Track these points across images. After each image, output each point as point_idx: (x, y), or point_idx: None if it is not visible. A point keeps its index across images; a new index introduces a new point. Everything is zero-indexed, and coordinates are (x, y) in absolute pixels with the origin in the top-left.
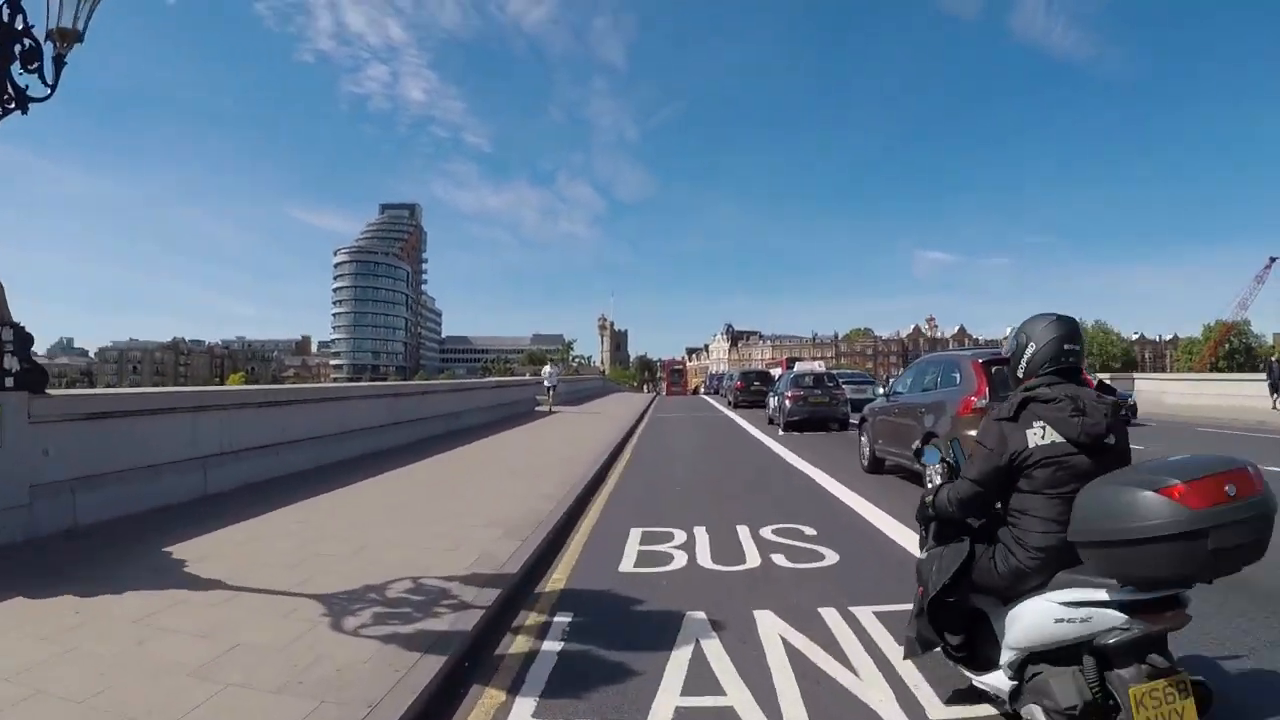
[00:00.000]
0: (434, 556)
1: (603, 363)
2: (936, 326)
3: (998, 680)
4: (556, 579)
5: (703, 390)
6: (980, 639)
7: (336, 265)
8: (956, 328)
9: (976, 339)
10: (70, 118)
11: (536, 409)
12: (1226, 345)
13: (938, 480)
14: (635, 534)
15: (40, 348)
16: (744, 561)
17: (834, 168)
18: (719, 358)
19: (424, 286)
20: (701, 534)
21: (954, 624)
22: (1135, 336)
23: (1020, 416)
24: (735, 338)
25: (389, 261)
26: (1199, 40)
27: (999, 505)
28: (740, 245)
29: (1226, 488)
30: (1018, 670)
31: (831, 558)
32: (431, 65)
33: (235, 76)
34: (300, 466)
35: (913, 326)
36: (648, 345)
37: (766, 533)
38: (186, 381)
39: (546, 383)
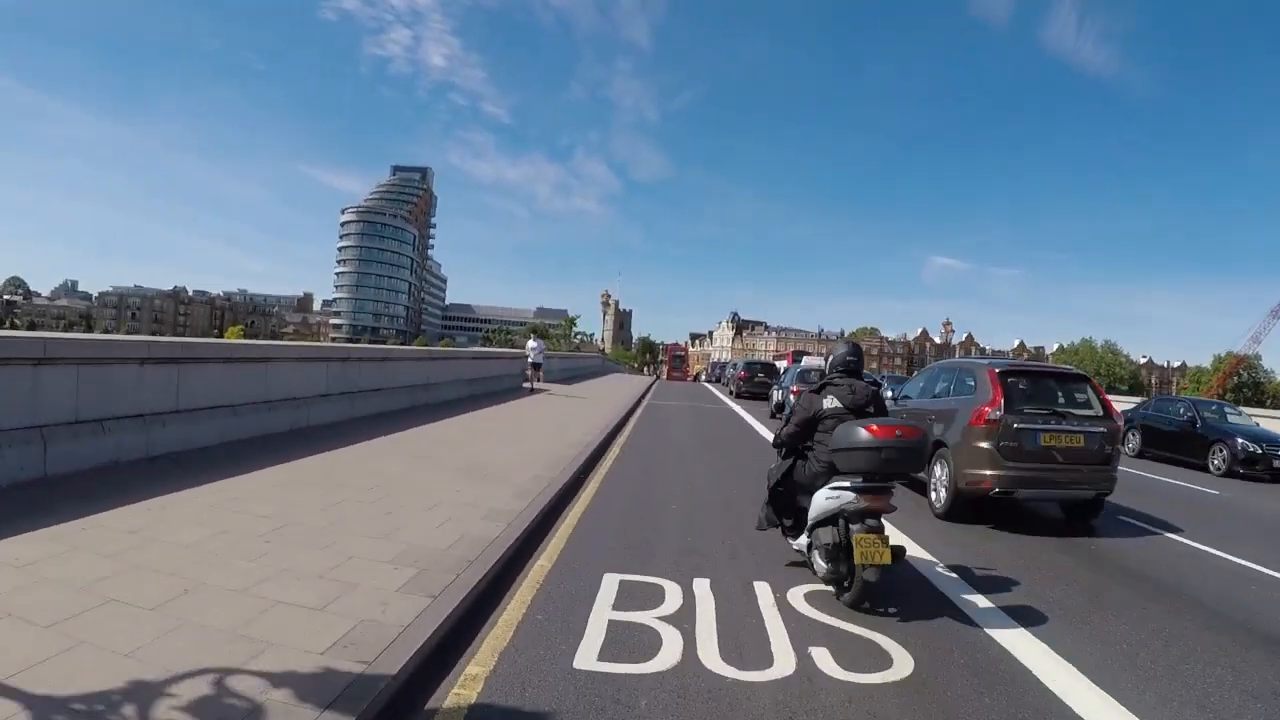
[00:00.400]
0: (277, 623)
1: (602, 341)
2: (953, 331)
3: (800, 542)
4: (469, 679)
5: (704, 378)
6: (798, 520)
7: (343, 224)
8: (965, 335)
9: (984, 348)
10: (86, 59)
11: (523, 385)
12: (1235, 378)
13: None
14: (609, 585)
15: (44, 288)
16: (769, 661)
17: (851, 165)
18: (722, 345)
19: (431, 252)
20: (704, 594)
21: (786, 510)
22: (1144, 360)
23: (821, 391)
24: (740, 327)
25: (396, 224)
26: (1226, 65)
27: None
28: (752, 234)
29: (897, 431)
30: (810, 532)
31: (902, 661)
32: (455, 32)
33: (257, 30)
34: (201, 442)
35: (920, 330)
36: (652, 327)
37: (797, 599)
38: (186, 331)
39: (531, 358)
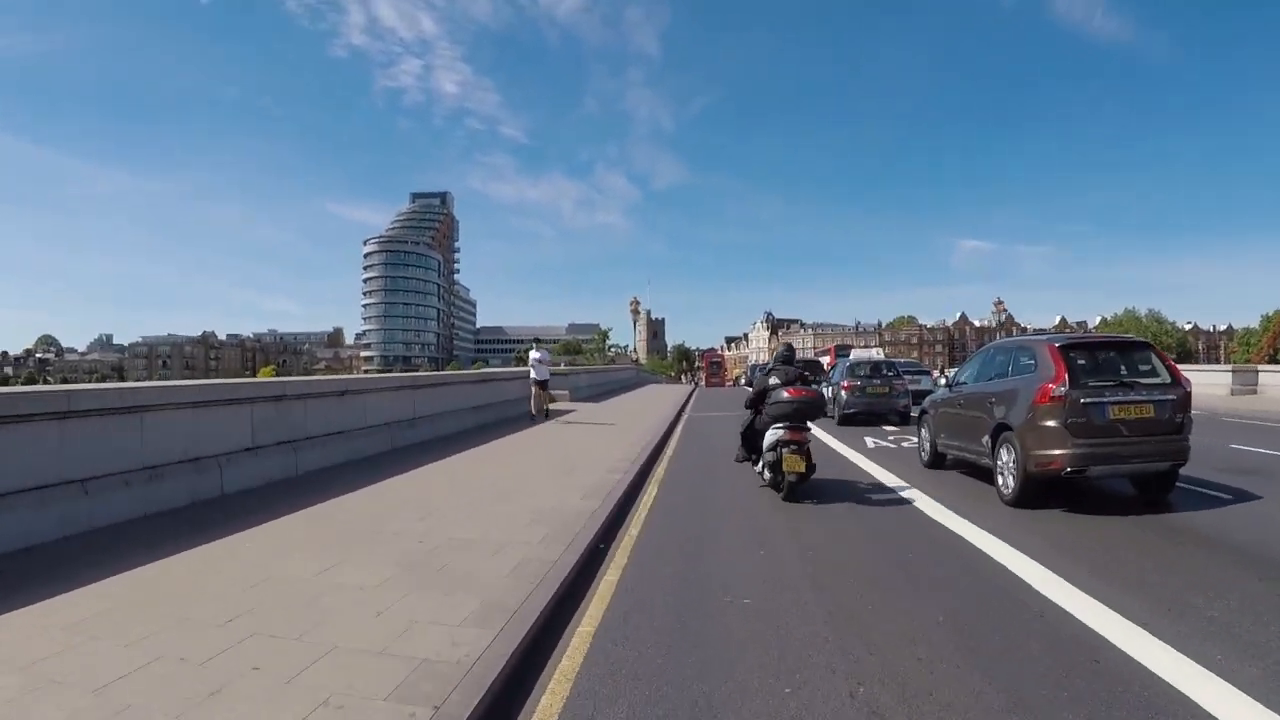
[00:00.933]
0: None
1: (634, 352)
2: (1005, 310)
3: (760, 465)
4: None
5: (743, 381)
6: (760, 454)
7: (366, 256)
8: (1005, 315)
9: (1025, 327)
10: (109, 120)
11: (529, 413)
12: None
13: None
14: None
15: (80, 344)
16: None
17: (872, 156)
18: (759, 347)
19: (457, 277)
20: None
21: (752, 447)
22: (1189, 326)
23: (769, 373)
24: (775, 326)
25: (419, 251)
26: (1237, 20)
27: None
28: (778, 234)
29: (803, 394)
30: (762, 457)
31: None
32: (465, 58)
33: (270, 75)
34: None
35: (959, 314)
36: (686, 334)
37: None
38: (217, 375)
39: (534, 374)
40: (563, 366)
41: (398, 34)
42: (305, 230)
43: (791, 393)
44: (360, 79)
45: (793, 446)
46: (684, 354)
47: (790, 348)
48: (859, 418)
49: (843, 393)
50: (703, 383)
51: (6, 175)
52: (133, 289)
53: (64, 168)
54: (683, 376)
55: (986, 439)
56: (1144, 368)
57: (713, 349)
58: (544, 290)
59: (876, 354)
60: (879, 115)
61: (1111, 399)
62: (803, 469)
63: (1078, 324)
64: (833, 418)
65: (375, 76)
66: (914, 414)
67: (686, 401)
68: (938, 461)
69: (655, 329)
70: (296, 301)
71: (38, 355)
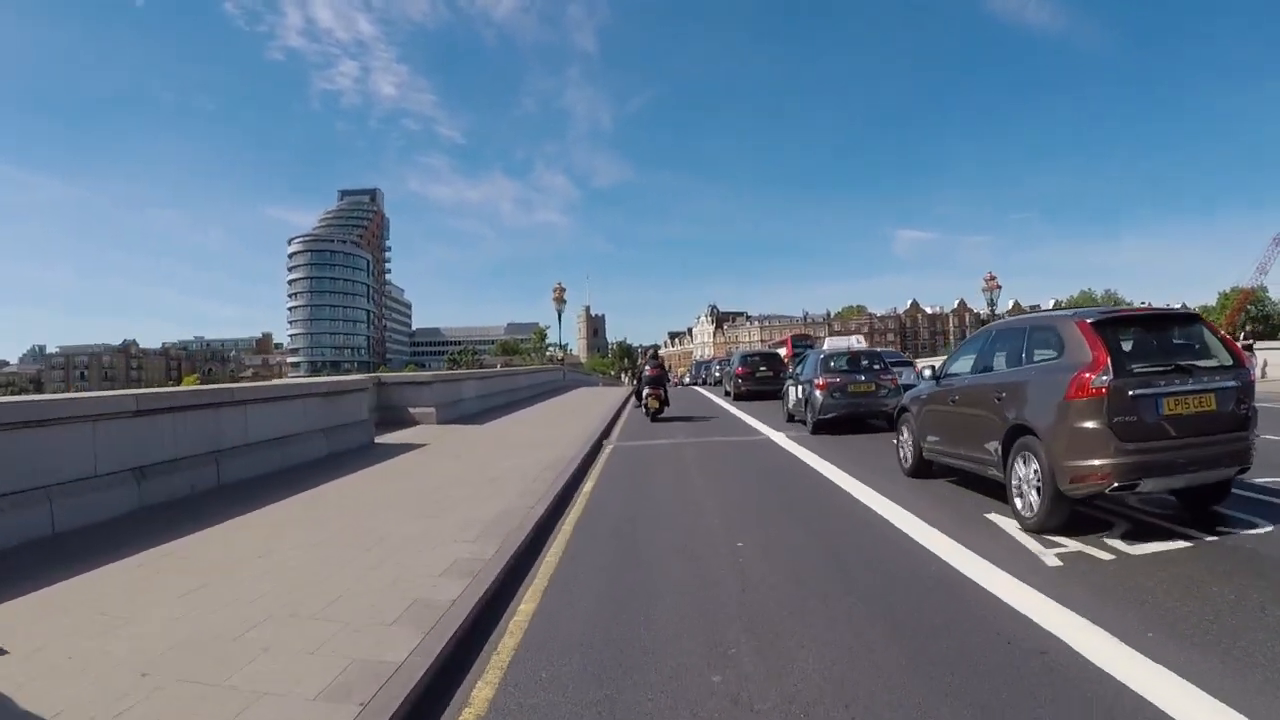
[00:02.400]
0: None
1: (563, 351)
2: (999, 286)
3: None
4: None
5: (688, 380)
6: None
7: (291, 256)
8: (956, 301)
9: (978, 313)
10: (41, 123)
11: (382, 441)
12: (1244, 313)
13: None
14: None
15: (12, 355)
16: None
17: (813, 149)
18: (703, 341)
19: (391, 278)
20: None
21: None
22: (1143, 305)
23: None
24: (720, 319)
25: (347, 250)
26: (1171, 13)
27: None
28: (721, 229)
29: (656, 373)
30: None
31: None
32: (401, 59)
33: (205, 76)
34: None
35: (909, 301)
36: (629, 331)
37: None
38: (139, 385)
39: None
40: (426, 373)
41: (335, 35)
42: (243, 234)
43: (651, 371)
44: (297, 81)
45: (651, 394)
46: (625, 351)
47: (657, 352)
48: (839, 423)
49: (817, 394)
50: (637, 398)
51: None
52: (69, 297)
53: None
54: (623, 376)
55: (994, 445)
56: (1197, 346)
57: (655, 346)
58: (485, 293)
59: (856, 343)
60: (818, 108)
61: (1166, 389)
62: (657, 405)
63: (1030, 307)
64: (803, 423)
65: (312, 79)
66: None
67: (617, 415)
68: (922, 469)
69: (596, 326)
70: (235, 306)
71: None
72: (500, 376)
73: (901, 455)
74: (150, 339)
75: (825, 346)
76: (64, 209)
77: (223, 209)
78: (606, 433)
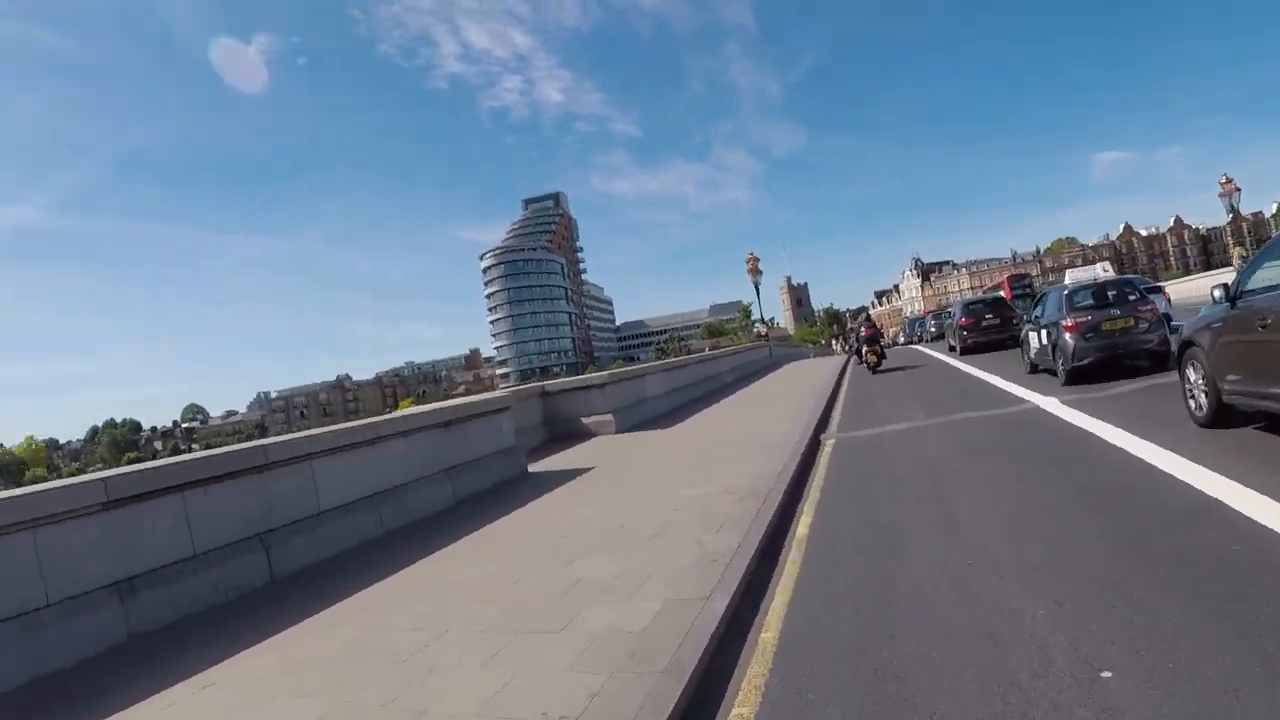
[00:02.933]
0: None
1: (764, 325)
2: (1237, 189)
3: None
4: None
5: (901, 339)
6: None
7: (485, 270)
8: (1171, 219)
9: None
10: (233, 191)
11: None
12: None
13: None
14: None
15: (241, 404)
16: None
17: (987, 84)
18: (911, 296)
19: (587, 277)
20: None
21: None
22: None
23: (859, 326)
24: (926, 271)
25: (538, 256)
26: None
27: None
28: (909, 180)
29: (870, 332)
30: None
31: None
32: (562, 65)
33: (379, 119)
34: None
35: (1121, 226)
36: (832, 296)
37: None
38: (356, 416)
39: None
40: (600, 374)
41: (492, 54)
42: (438, 258)
43: (866, 331)
44: (465, 104)
45: (870, 350)
46: (833, 317)
47: (868, 314)
48: (1098, 370)
49: (1067, 337)
50: (858, 357)
51: (151, 259)
52: (283, 343)
53: (197, 242)
54: (834, 343)
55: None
56: None
57: (862, 307)
58: (683, 279)
59: (1102, 271)
60: (986, 38)
61: None
62: (876, 359)
63: (1253, 215)
64: (1050, 373)
65: (478, 99)
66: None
67: (835, 388)
68: (1223, 417)
69: (799, 296)
70: (440, 327)
71: (184, 425)
72: (693, 365)
73: (1193, 402)
74: (363, 370)
75: (1067, 280)
76: (270, 262)
77: (416, 238)
78: (823, 421)
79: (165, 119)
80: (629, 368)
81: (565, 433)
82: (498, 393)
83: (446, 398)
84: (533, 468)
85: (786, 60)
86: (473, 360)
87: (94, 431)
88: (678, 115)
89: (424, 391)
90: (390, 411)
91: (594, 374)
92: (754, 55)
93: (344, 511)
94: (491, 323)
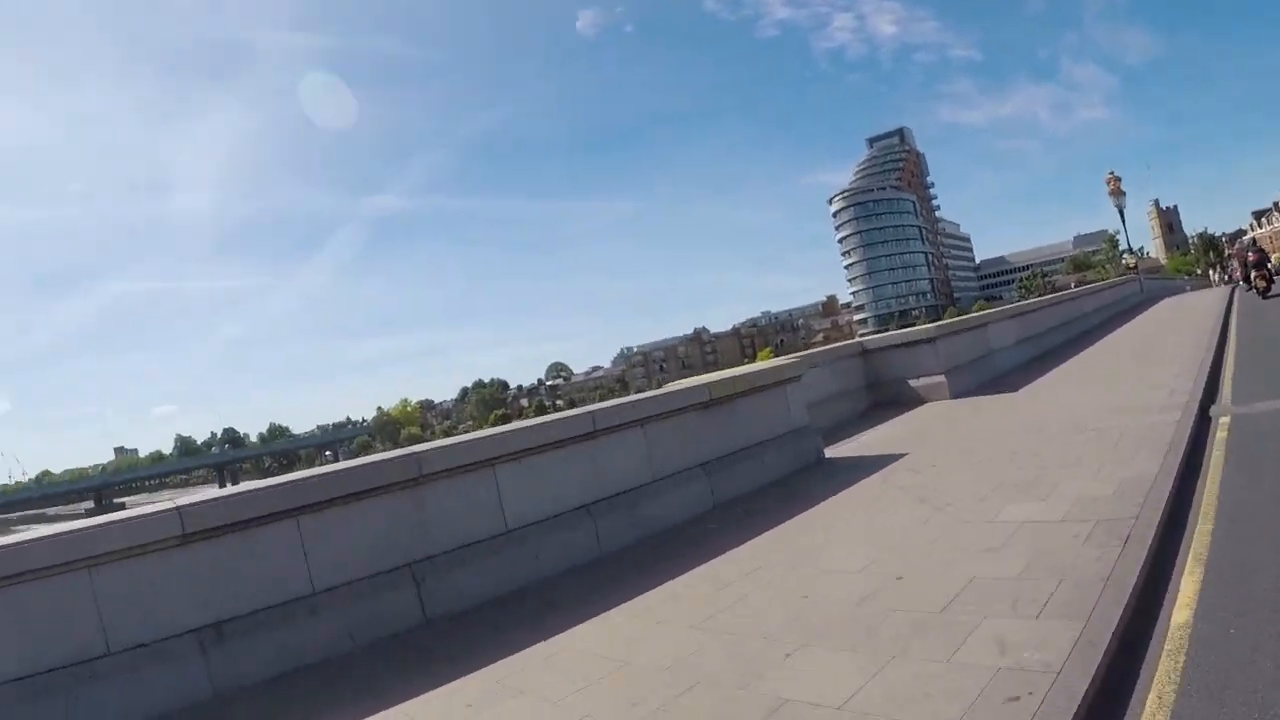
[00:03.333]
0: None
1: (1132, 261)
2: None
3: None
4: None
5: None
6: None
7: (835, 214)
8: None
9: None
10: (587, 162)
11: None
12: None
13: None
14: None
15: (606, 359)
16: None
17: None
18: None
19: (942, 214)
20: None
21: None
22: None
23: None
24: None
25: (888, 196)
26: None
27: None
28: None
29: (1257, 257)
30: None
31: None
32: None
33: (717, 76)
34: None
35: None
36: (1206, 220)
37: None
38: (716, 368)
39: None
40: (928, 326)
41: None
42: (789, 206)
43: (1252, 257)
44: (799, 49)
45: (1259, 275)
46: (1209, 243)
47: (1254, 239)
48: None
49: None
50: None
51: (515, 229)
52: (645, 301)
53: (554, 211)
54: (1211, 273)
55: None
56: None
57: (1240, 231)
58: (1041, 209)
59: None
60: None
61: None
62: (1265, 284)
63: None
64: None
65: (811, 42)
66: None
67: (1222, 333)
68: None
69: (1169, 221)
70: (796, 277)
71: (548, 383)
72: (1048, 307)
73: None
74: (721, 323)
75: None
76: (626, 224)
77: (767, 189)
78: (1212, 385)
79: (516, 104)
80: (964, 317)
81: (892, 397)
82: (772, 364)
83: (806, 346)
84: (839, 448)
85: None
86: (830, 306)
87: (464, 392)
88: (1017, 32)
89: (781, 341)
90: (748, 363)
91: (922, 326)
92: None
93: (542, 529)
94: (846, 267)
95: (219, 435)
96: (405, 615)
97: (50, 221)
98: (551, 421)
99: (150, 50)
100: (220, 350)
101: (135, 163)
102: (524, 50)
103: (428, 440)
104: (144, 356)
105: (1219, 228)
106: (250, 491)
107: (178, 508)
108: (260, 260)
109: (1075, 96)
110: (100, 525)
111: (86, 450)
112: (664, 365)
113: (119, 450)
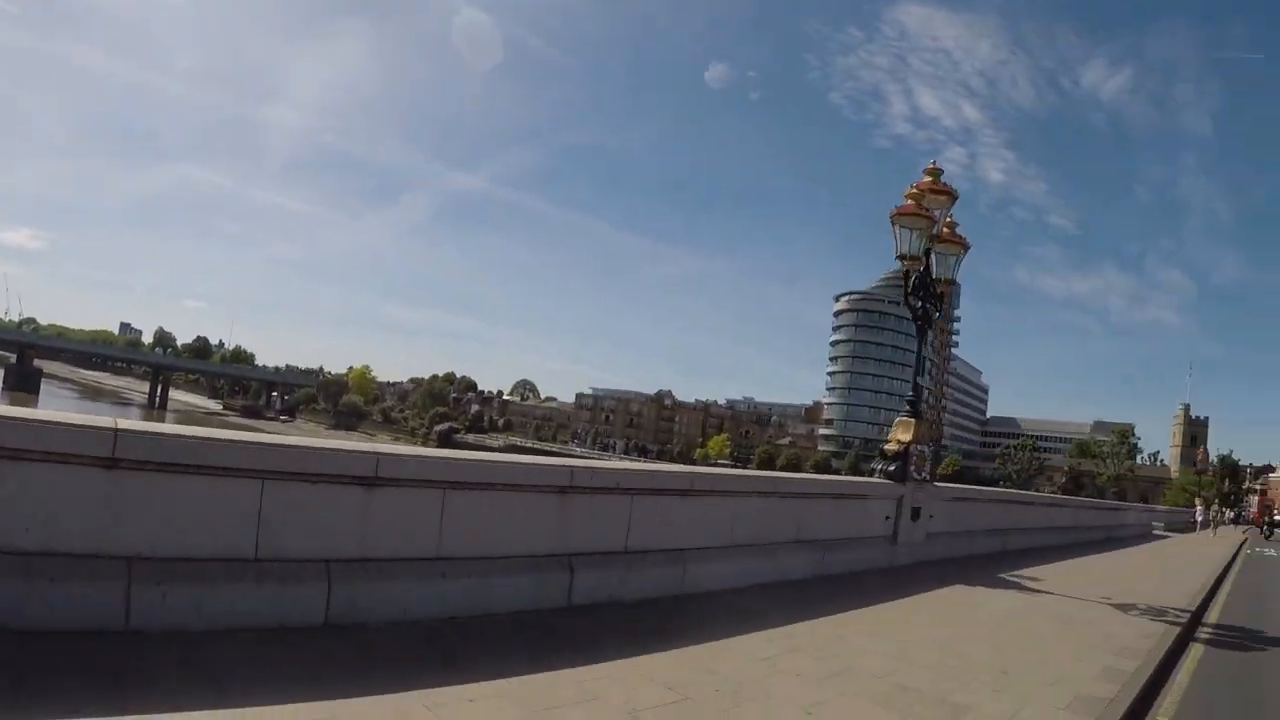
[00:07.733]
0: None
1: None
2: None
3: None
4: None
5: None
6: None
7: (837, 315)
8: None
9: None
10: (673, 209)
11: None
12: None
13: None
14: None
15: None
16: None
17: None
18: None
19: (961, 356)
20: None
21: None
22: None
23: None
24: None
25: (900, 312)
26: None
27: None
28: None
29: None
30: None
31: None
32: (1008, 144)
33: (816, 164)
34: None
35: None
36: (1235, 444)
37: None
38: (671, 439)
39: None
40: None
41: (941, 123)
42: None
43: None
44: (905, 167)
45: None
46: (1229, 468)
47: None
48: None
49: None
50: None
51: (600, 256)
52: (686, 352)
53: (642, 250)
54: (1222, 513)
55: None
56: None
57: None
58: (1077, 386)
59: None
60: None
61: None
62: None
63: None
64: None
65: (919, 163)
66: None
67: None
68: None
69: (1195, 433)
70: (799, 369)
71: (505, 398)
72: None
73: None
74: (698, 391)
75: None
76: (696, 282)
77: (825, 288)
78: None
79: (625, 128)
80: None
81: None
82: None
83: (769, 443)
84: None
85: (1242, 182)
86: (813, 413)
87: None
88: (1117, 220)
89: (747, 432)
90: (702, 442)
91: None
92: (1209, 171)
93: None
94: (829, 374)
95: (192, 341)
96: None
97: (148, 88)
98: None
99: None
100: (262, 266)
101: (248, 60)
102: (649, 80)
103: (366, 411)
104: (190, 245)
105: (1251, 457)
106: None
107: None
108: (325, 194)
109: (1152, 294)
110: None
111: (98, 316)
112: (610, 416)
113: (124, 326)
